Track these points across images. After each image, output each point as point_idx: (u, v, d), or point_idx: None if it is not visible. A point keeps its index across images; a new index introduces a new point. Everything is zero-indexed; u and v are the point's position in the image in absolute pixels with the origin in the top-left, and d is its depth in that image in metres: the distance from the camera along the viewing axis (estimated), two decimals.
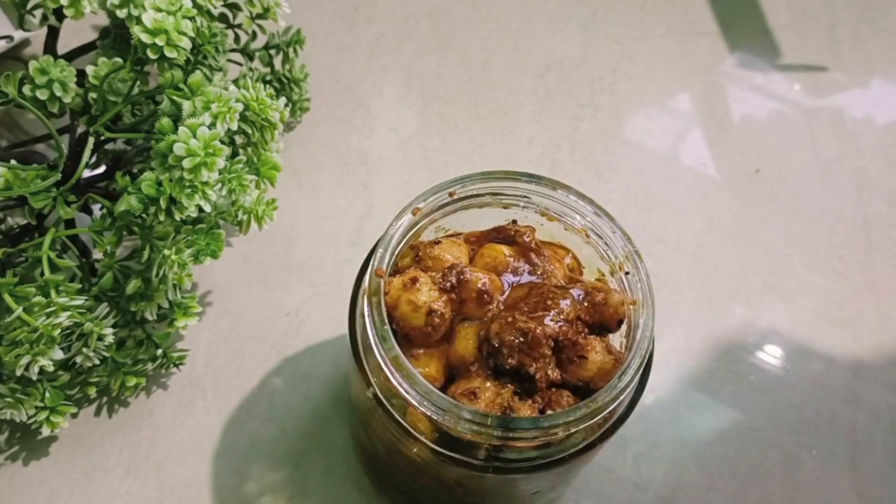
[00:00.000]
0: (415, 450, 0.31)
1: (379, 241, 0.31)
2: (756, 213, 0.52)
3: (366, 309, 0.29)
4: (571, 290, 0.32)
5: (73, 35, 0.42)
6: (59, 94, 0.36)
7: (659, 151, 0.54)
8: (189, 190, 0.32)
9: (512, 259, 0.33)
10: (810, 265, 0.50)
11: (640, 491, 0.42)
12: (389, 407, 0.30)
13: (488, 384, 0.30)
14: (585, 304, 0.31)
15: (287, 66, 0.49)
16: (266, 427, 0.42)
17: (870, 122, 0.57)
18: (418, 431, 0.29)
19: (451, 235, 0.35)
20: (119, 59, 0.37)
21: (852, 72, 0.59)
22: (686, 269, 0.49)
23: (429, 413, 0.28)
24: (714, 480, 0.42)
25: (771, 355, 0.47)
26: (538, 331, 0.29)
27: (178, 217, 0.33)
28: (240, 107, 0.34)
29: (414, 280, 0.31)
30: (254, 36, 0.47)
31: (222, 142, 0.33)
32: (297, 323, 0.45)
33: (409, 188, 0.51)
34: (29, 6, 0.38)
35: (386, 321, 0.29)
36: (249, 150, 0.37)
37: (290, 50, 0.48)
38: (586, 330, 0.31)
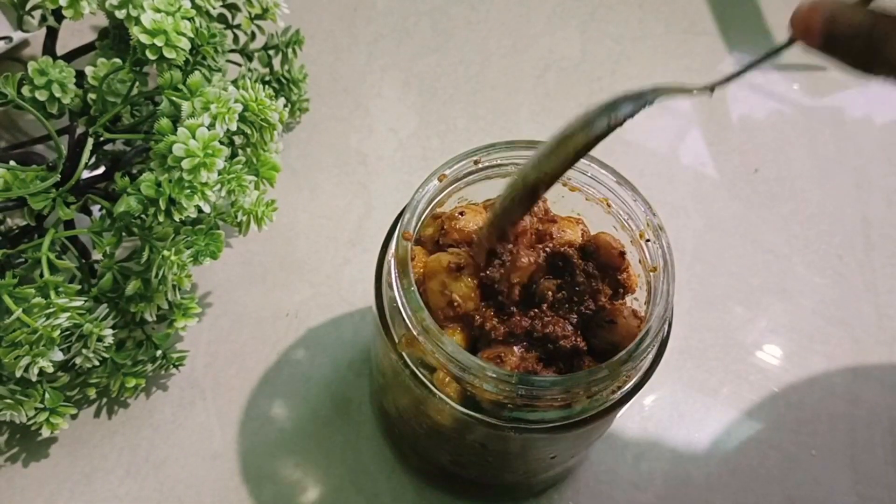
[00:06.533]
0: (440, 412, 0.31)
1: (406, 206, 0.32)
2: (755, 213, 0.52)
3: (393, 272, 0.30)
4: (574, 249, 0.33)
5: (71, 36, 0.42)
6: (58, 94, 0.36)
7: (658, 151, 0.54)
8: (188, 191, 0.32)
9: (526, 225, 0.34)
10: (810, 265, 0.50)
11: (640, 491, 0.42)
12: (416, 370, 0.30)
13: (513, 349, 0.30)
14: (588, 260, 0.33)
15: (286, 67, 0.49)
16: (265, 428, 0.42)
17: (868, 121, 0.57)
18: (444, 393, 0.30)
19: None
20: (118, 60, 0.37)
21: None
22: (686, 269, 0.49)
23: (455, 373, 0.28)
24: (714, 480, 0.42)
25: (771, 355, 0.47)
26: (524, 258, 0.30)
27: (177, 218, 0.33)
28: (239, 107, 0.34)
29: (459, 267, 0.31)
30: (253, 36, 0.47)
31: (221, 142, 0.33)
32: (297, 323, 0.45)
33: (408, 188, 0.50)
34: (28, 7, 0.38)
35: (413, 284, 0.29)
36: (248, 150, 0.37)
37: (289, 50, 0.48)
38: (608, 291, 0.32)
